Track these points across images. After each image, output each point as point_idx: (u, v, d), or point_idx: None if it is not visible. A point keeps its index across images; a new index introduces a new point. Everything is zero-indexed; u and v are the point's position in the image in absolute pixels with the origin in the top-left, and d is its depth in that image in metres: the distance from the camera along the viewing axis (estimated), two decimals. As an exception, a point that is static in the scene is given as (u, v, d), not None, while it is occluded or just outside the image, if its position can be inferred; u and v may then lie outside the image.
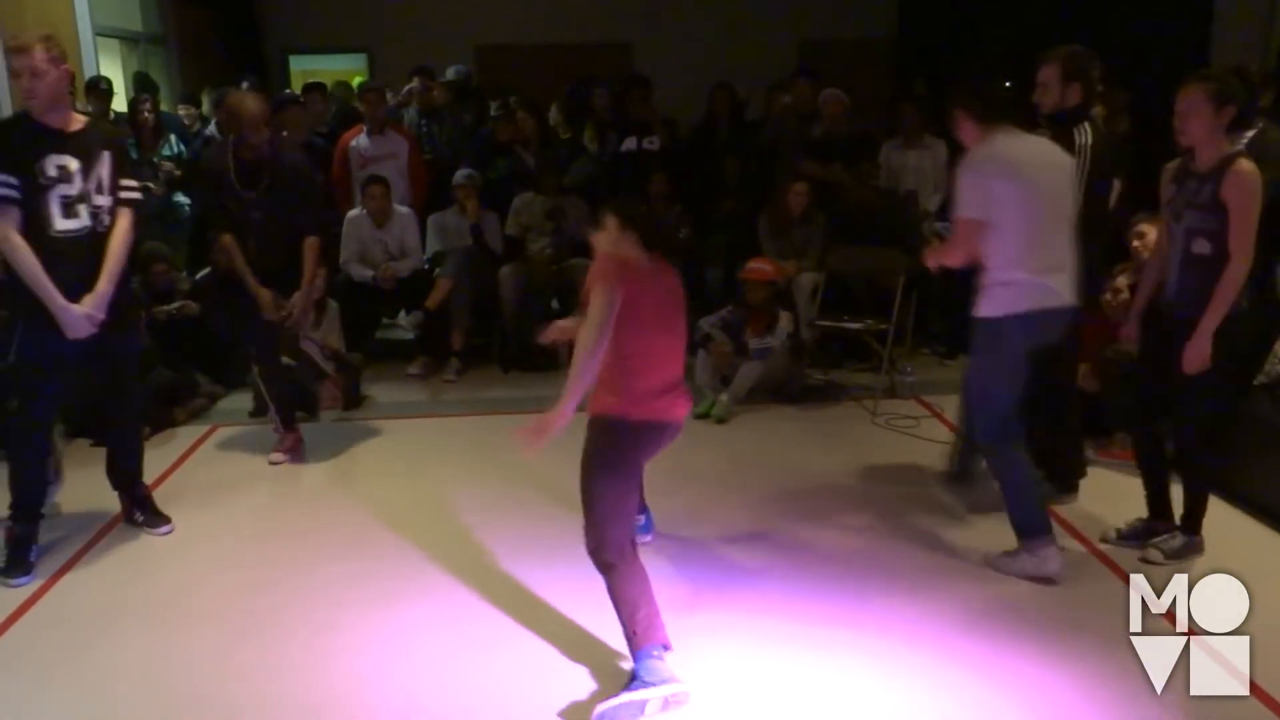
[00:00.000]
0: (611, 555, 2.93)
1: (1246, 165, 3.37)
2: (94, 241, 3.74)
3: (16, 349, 3.77)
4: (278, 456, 4.87)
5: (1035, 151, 3.60)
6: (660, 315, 3.03)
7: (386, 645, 3.26)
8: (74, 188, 3.67)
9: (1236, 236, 3.37)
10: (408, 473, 4.78)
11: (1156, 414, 3.79)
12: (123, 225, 3.81)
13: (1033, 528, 3.65)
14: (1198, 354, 3.44)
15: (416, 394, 6.01)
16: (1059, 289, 3.56)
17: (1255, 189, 3.35)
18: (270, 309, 4.63)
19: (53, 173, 3.63)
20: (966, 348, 6.20)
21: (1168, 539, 3.72)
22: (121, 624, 3.44)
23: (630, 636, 2.92)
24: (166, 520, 4.14)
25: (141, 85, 7.99)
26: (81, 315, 3.67)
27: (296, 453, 4.93)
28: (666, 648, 2.94)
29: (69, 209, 3.67)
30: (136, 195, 3.91)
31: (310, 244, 4.69)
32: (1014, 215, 3.47)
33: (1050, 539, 3.65)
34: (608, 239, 3.11)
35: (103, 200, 3.75)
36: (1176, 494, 3.80)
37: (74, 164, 3.66)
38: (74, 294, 3.68)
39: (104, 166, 3.75)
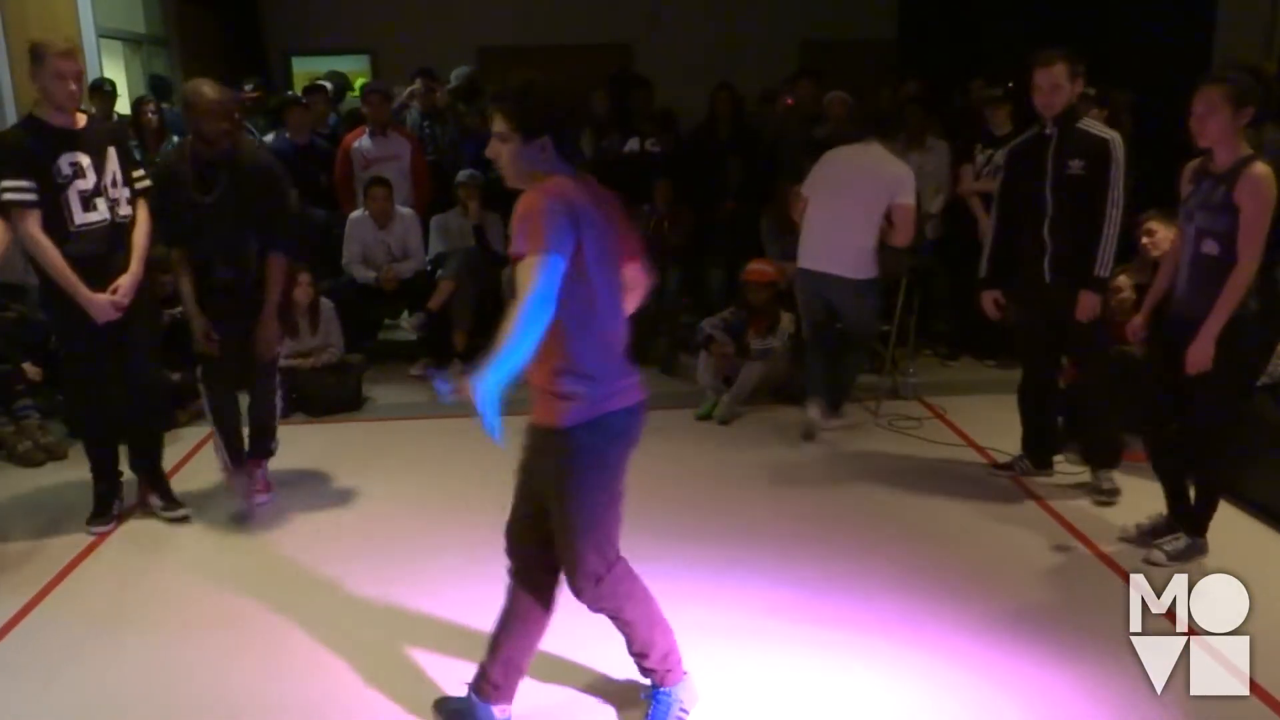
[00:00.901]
0: (603, 600, 2.59)
1: (1261, 169, 3.32)
2: (114, 232, 3.90)
3: (56, 339, 4.21)
4: (260, 498, 4.37)
5: (851, 157, 4.94)
6: (606, 259, 2.39)
7: (389, 646, 3.27)
8: (89, 182, 3.81)
9: (1246, 240, 3.33)
10: (410, 474, 4.78)
11: (1167, 415, 3.76)
12: (141, 215, 4.00)
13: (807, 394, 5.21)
14: (1200, 355, 3.41)
15: (418, 395, 6.01)
16: (827, 258, 4.87)
17: (1269, 193, 3.30)
18: (201, 340, 4.14)
19: (68, 170, 3.78)
20: (969, 349, 6.29)
21: (1172, 540, 3.71)
22: (123, 625, 3.45)
23: (664, 675, 2.76)
24: (180, 506, 4.24)
25: (155, 88, 8.02)
26: (106, 302, 3.83)
27: (256, 490, 4.39)
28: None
29: (88, 203, 3.83)
30: (148, 182, 4.06)
31: (275, 263, 4.11)
32: (815, 196, 4.96)
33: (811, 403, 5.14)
34: (511, 155, 2.35)
35: (118, 192, 3.91)
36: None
37: (85, 160, 3.81)
38: (98, 283, 3.83)
39: (113, 161, 3.90)
